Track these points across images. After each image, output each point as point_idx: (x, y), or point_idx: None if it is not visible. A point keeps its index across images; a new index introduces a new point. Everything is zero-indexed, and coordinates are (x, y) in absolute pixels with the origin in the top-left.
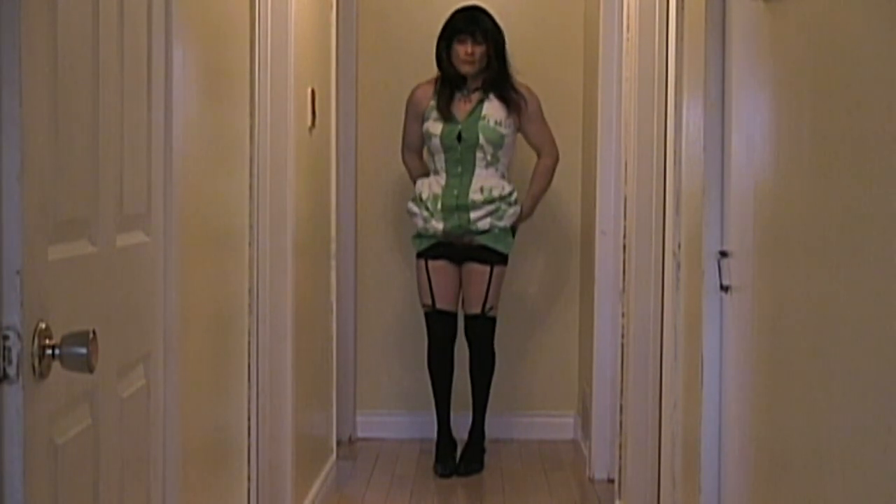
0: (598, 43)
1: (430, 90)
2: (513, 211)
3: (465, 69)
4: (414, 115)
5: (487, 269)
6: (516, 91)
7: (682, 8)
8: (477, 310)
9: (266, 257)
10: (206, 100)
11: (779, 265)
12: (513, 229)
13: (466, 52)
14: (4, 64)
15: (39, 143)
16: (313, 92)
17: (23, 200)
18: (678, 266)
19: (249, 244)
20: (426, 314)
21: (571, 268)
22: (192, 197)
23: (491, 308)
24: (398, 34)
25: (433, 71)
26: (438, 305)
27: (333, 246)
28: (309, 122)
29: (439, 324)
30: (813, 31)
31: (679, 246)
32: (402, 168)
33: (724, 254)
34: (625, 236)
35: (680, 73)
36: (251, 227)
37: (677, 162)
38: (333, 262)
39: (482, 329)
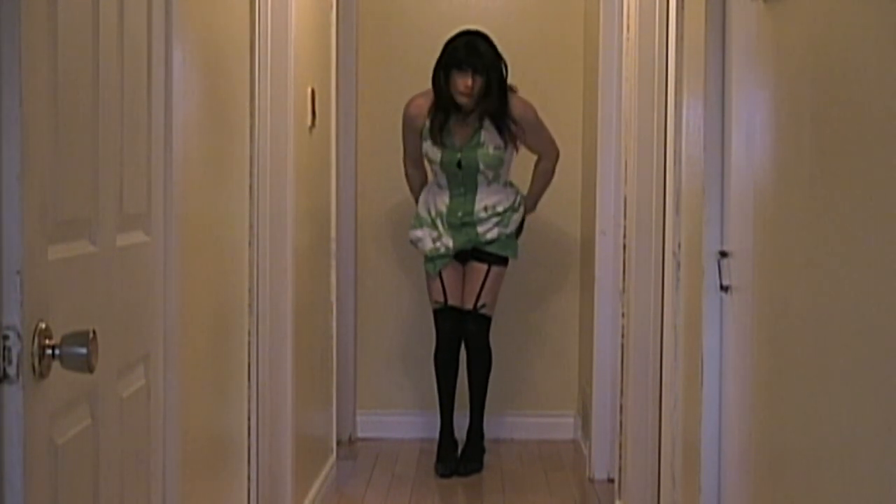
0: (598, 43)
1: (424, 105)
2: (517, 216)
3: (462, 100)
4: (411, 130)
5: (485, 266)
6: (514, 121)
7: (682, 8)
8: (470, 305)
9: (266, 257)
10: (206, 100)
11: (779, 265)
12: (517, 230)
13: (466, 85)
14: (4, 64)
15: (39, 143)
16: (313, 92)
17: (23, 200)
18: (678, 266)
19: (249, 244)
20: (435, 311)
21: (571, 268)
22: (192, 197)
23: (484, 306)
24: (398, 34)
25: (431, 70)
26: (450, 302)
27: (333, 246)
28: (309, 122)
29: (449, 320)
30: (813, 31)
31: (679, 246)
32: (402, 168)
33: (724, 254)
34: (625, 236)
35: (680, 73)
36: (251, 226)
37: (677, 162)
38: (333, 262)
39: (475, 326)
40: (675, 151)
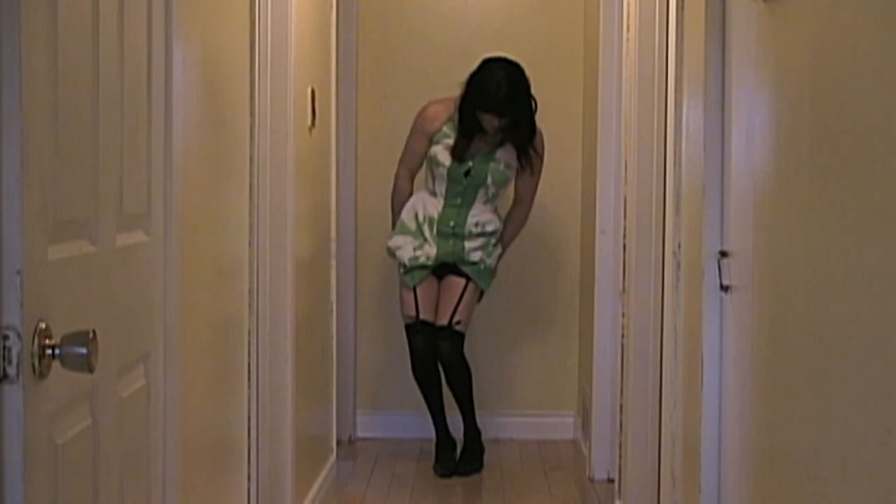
0: (598, 43)
1: (442, 113)
2: (498, 251)
3: (489, 130)
4: (421, 133)
5: (463, 281)
6: (535, 151)
7: (682, 8)
8: (444, 321)
9: (266, 257)
10: (206, 100)
11: (779, 265)
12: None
13: (492, 126)
14: (4, 64)
15: (39, 143)
16: (313, 92)
17: (23, 200)
18: (678, 266)
19: (249, 244)
20: (407, 326)
21: (571, 268)
22: (192, 197)
23: (458, 322)
24: (398, 34)
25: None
26: (422, 316)
27: (333, 246)
28: (309, 122)
29: (421, 334)
30: (813, 31)
31: (679, 246)
32: (394, 177)
33: (724, 254)
34: (625, 236)
35: (680, 73)
36: (251, 226)
37: (677, 162)
38: (333, 262)
39: (448, 343)
40: (674, 151)
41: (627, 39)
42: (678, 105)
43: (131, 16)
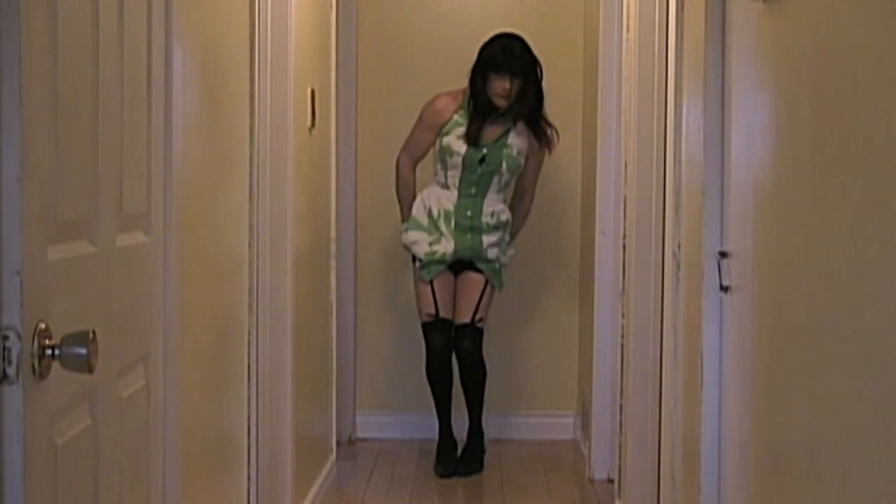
0: (598, 43)
1: (452, 104)
2: (512, 250)
3: (500, 103)
4: (430, 125)
5: (483, 278)
6: (548, 124)
7: (682, 8)
8: (467, 319)
9: (266, 257)
10: (206, 100)
11: (779, 265)
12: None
13: (503, 88)
14: (4, 64)
15: (39, 143)
16: (313, 92)
17: (23, 201)
18: (678, 266)
19: (249, 244)
20: (425, 324)
21: (571, 268)
22: (192, 197)
23: (480, 319)
24: (398, 34)
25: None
26: (442, 314)
27: (333, 246)
28: (309, 123)
29: (440, 333)
30: (813, 30)
31: (679, 246)
32: (395, 168)
33: (724, 254)
34: (625, 236)
35: (680, 73)
36: (251, 227)
37: (677, 162)
38: (333, 262)
39: (470, 341)
40: (674, 152)
41: (627, 39)
42: (678, 105)
43: (131, 15)
